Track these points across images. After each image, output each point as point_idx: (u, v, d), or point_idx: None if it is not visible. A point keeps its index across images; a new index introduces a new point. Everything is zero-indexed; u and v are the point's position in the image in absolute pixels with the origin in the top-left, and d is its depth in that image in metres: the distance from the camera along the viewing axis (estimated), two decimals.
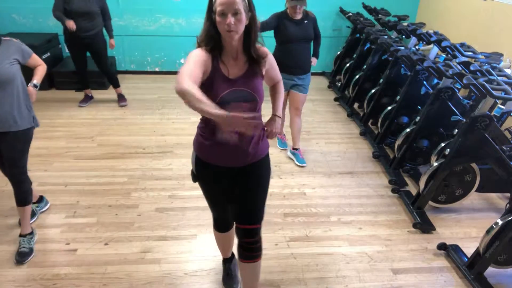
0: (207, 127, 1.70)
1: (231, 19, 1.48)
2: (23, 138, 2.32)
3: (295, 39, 3.23)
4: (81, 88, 4.77)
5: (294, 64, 3.29)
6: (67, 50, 5.45)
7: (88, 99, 4.70)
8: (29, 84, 2.36)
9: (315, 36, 3.40)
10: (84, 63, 4.48)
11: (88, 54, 4.42)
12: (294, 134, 3.62)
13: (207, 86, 1.58)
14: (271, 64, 1.76)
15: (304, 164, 3.55)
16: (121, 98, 4.72)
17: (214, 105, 1.37)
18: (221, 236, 2.14)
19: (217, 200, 1.95)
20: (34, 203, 2.68)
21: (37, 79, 2.40)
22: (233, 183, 1.82)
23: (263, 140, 1.80)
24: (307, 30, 3.26)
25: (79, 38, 4.16)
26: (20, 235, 2.45)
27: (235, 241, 1.97)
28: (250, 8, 1.56)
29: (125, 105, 4.65)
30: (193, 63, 1.53)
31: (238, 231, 1.89)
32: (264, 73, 1.71)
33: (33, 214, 2.66)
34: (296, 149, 3.64)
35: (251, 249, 1.87)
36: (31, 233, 2.50)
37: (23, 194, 2.38)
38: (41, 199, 2.79)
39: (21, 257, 2.36)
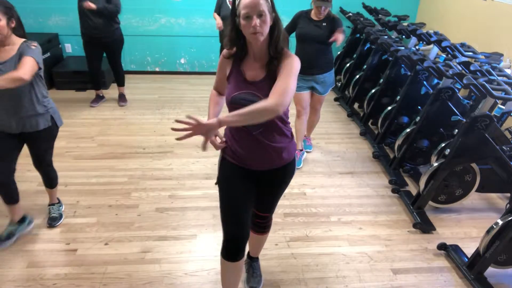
0: (234, 128, 1.71)
1: (256, 21, 1.48)
2: (46, 137, 2.42)
3: (306, 39, 3.21)
4: (91, 88, 4.77)
5: (307, 65, 3.20)
6: (67, 50, 5.51)
7: (99, 99, 4.71)
8: None
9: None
10: (99, 63, 4.48)
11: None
12: (309, 125, 3.75)
13: (228, 83, 1.68)
14: (283, 67, 1.58)
15: (309, 150, 3.78)
16: (122, 98, 4.72)
17: (213, 114, 1.73)
18: (229, 267, 1.84)
19: (236, 202, 1.77)
20: (12, 224, 2.52)
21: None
22: (255, 186, 1.82)
23: (290, 144, 1.78)
24: (322, 31, 3.17)
25: (97, 38, 4.17)
26: (49, 205, 2.74)
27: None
28: (273, 8, 1.56)
29: (124, 105, 4.66)
30: (217, 72, 1.76)
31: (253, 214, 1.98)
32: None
33: (8, 238, 2.47)
34: (306, 137, 3.84)
35: (261, 226, 2.09)
36: (59, 202, 2.79)
37: (50, 180, 2.65)
38: (23, 219, 2.58)
39: (53, 220, 2.66)
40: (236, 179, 1.78)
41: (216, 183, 1.86)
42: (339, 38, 3.10)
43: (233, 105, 1.62)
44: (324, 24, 3.20)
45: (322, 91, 3.44)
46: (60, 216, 2.73)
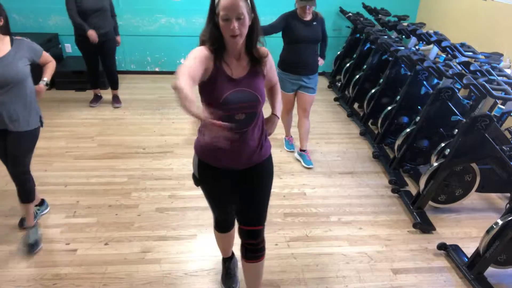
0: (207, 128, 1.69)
1: (235, 24, 1.46)
2: (30, 138, 2.34)
3: (303, 40, 3.21)
4: (90, 88, 4.76)
5: (301, 65, 3.27)
6: (67, 50, 5.51)
7: (98, 98, 4.71)
8: (40, 81, 2.36)
9: (322, 38, 3.37)
10: (96, 63, 4.47)
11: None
12: (301, 135, 3.60)
13: (210, 85, 1.56)
14: (271, 65, 1.75)
15: (311, 166, 3.52)
16: (116, 100, 4.69)
17: (199, 106, 1.32)
18: (222, 236, 2.13)
19: (220, 202, 1.92)
20: (35, 206, 2.65)
21: (47, 76, 2.40)
22: (236, 184, 1.81)
23: (265, 141, 1.79)
24: (315, 31, 3.23)
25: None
26: (26, 228, 2.52)
27: (238, 241, 1.97)
28: (253, 9, 1.54)
29: (119, 107, 4.63)
30: (194, 59, 1.49)
31: (241, 232, 1.89)
32: (265, 73, 1.70)
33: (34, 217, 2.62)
34: (304, 151, 3.62)
35: (254, 250, 1.91)
36: (36, 225, 2.56)
37: (26, 192, 2.40)
38: (42, 202, 2.77)
39: (31, 247, 2.42)
40: (213, 180, 1.82)
41: (193, 180, 1.90)
42: (321, 62, 3.53)
43: (225, 106, 1.55)
44: (315, 23, 3.23)
45: (311, 90, 3.41)
46: (36, 242, 2.45)
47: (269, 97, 1.91)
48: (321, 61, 3.53)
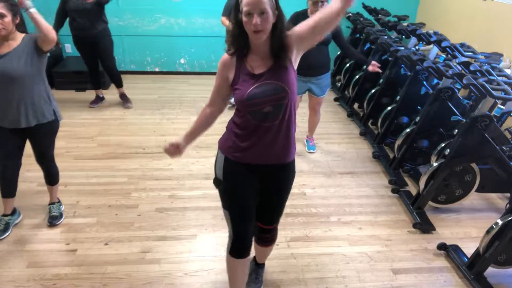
0: (242, 124, 1.68)
1: (257, 19, 1.46)
2: (48, 132, 2.45)
3: None
4: (91, 88, 4.75)
5: (308, 66, 3.16)
6: (67, 50, 5.51)
7: (99, 100, 4.69)
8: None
9: (338, 39, 3.30)
10: (94, 63, 4.45)
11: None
12: (310, 126, 3.84)
13: (235, 86, 1.62)
14: (298, 35, 1.60)
15: (313, 150, 3.78)
16: (124, 98, 4.66)
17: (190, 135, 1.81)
18: (236, 264, 1.87)
19: (245, 205, 1.80)
20: (6, 215, 2.59)
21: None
22: (262, 184, 1.80)
23: (294, 142, 1.78)
24: None
25: (82, 38, 4.17)
26: (49, 204, 2.75)
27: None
28: (277, 7, 1.54)
29: (131, 107, 4.61)
30: (216, 81, 1.68)
31: (256, 227, 1.95)
32: (295, 56, 1.64)
33: (6, 229, 2.56)
34: (309, 137, 3.88)
35: (265, 241, 2.05)
36: (59, 202, 2.80)
37: (51, 177, 2.67)
38: (14, 211, 2.66)
39: (53, 219, 2.67)
40: (241, 177, 1.76)
41: (215, 183, 1.83)
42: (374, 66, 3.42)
43: (250, 102, 1.57)
44: None
45: (319, 92, 3.48)
46: (61, 215, 2.74)
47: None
48: (372, 66, 3.39)
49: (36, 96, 2.31)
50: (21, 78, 2.22)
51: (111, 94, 4.88)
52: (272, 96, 1.58)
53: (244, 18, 1.49)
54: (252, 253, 2.05)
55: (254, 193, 1.81)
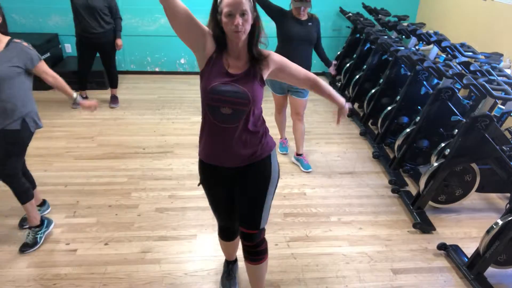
0: (206, 124, 1.70)
1: (239, 20, 1.48)
2: (6, 139, 2.23)
3: (297, 39, 3.16)
4: (77, 89, 4.72)
5: None
6: (67, 50, 5.51)
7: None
8: (75, 98, 2.37)
9: (317, 41, 3.32)
10: (89, 64, 4.46)
11: (97, 54, 4.43)
12: (297, 139, 3.52)
13: (206, 73, 1.59)
14: (280, 63, 1.70)
15: (309, 170, 3.48)
16: (113, 100, 4.67)
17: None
18: (225, 244, 2.16)
19: (220, 204, 1.92)
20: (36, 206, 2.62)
21: (70, 91, 2.36)
22: (234, 185, 1.81)
23: (264, 141, 1.75)
24: (310, 32, 3.19)
25: (87, 37, 4.18)
26: (28, 227, 2.54)
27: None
28: (255, 8, 1.56)
29: (116, 107, 4.62)
30: (203, 25, 1.59)
31: (240, 232, 1.90)
32: (266, 76, 1.67)
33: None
34: (300, 155, 3.56)
35: (252, 252, 1.89)
36: (39, 226, 2.50)
37: (17, 195, 2.37)
38: (43, 203, 2.77)
39: (23, 247, 2.44)
40: (210, 178, 1.82)
41: (198, 185, 1.89)
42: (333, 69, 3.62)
43: (213, 96, 1.57)
44: (310, 24, 3.19)
45: (300, 94, 3.30)
46: (34, 243, 2.45)
47: (320, 93, 1.86)
48: (332, 68, 3.57)
49: (6, 103, 2.16)
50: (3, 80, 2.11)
51: (110, 94, 4.87)
52: (235, 100, 1.58)
53: (224, 19, 1.50)
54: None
55: (226, 193, 1.85)
